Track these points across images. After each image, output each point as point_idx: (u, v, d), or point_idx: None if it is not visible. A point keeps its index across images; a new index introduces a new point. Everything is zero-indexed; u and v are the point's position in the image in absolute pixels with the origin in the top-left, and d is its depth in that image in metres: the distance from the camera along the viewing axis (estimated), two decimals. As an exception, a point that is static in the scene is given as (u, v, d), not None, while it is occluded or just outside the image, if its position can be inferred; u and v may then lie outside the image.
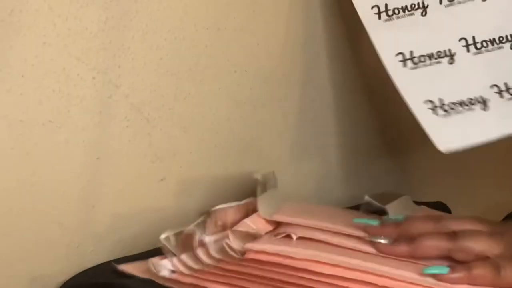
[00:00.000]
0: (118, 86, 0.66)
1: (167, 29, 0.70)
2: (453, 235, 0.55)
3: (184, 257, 0.59)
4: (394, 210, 0.65)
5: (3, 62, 0.58)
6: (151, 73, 0.69)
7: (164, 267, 0.59)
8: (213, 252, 0.57)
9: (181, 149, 0.73)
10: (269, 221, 0.61)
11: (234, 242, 0.56)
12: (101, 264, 0.64)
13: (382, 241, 0.56)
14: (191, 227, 0.59)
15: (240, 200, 0.76)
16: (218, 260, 0.57)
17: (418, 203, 0.98)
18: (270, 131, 0.83)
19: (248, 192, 0.81)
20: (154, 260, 0.59)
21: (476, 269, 0.53)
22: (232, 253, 0.55)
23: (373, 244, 0.56)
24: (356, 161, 0.97)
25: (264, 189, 0.68)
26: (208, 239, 0.58)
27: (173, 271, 0.59)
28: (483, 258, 0.54)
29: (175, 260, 0.59)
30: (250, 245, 0.55)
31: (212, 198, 0.77)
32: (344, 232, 0.58)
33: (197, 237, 0.58)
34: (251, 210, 0.64)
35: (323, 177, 0.92)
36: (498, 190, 1.25)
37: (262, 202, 0.62)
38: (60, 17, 0.62)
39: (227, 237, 0.57)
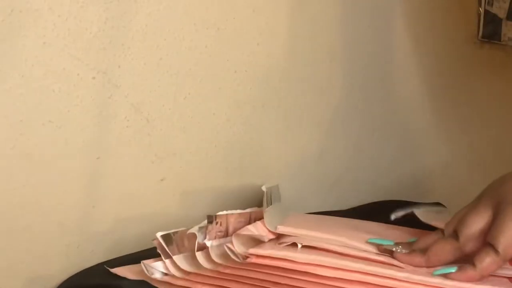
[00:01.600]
0: (118, 86, 0.66)
1: (167, 29, 0.70)
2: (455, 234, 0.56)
3: (177, 258, 0.59)
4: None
5: (3, 62, 0.59)
6: (151, 73, 0.69)
7: (156, 269, 0.59)
8: (214, 257, 0.57)
9: (181, 149, 0.73)
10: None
11: (237, 246, 0.56)
12: (96, 265, 0.64)
13: (399, 250, 0.57)
14: (194, 229, 0.59)
15: (241, 202, 0.77)
16: (218, 265, 0.57)
17: (419, 203, 0.98)
18: (270, 131, 0.83)
19: (247, 192, 0.81)
20: (146, 262, 0.59)
21: (481, 262, 0.53)
22: (234, 257, 0.55)
23: (391, 252, 0.57)
24: (356, 161, 0.97)
25: (270, 201, 0.68)
26: (210, 243, 0.58)
27: (165, 274, 0.59)
28: (485, 249, 0.54)
29: (167, 262, 0.59)
30: (253, 250, 0.55)
31: (212, 198, 0.77)
32: (348, 245, 0.58)
33: (198, 240, 0.58)
34: (253, 219, 0.64)
35: (323, 177, 0.92)
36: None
37: (268, 215, 0.62)
38: (60, 17, 0.62)
39: (230, 241, 0.57)
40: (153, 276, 0.59)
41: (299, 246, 0.57)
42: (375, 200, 0.96)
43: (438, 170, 1.13)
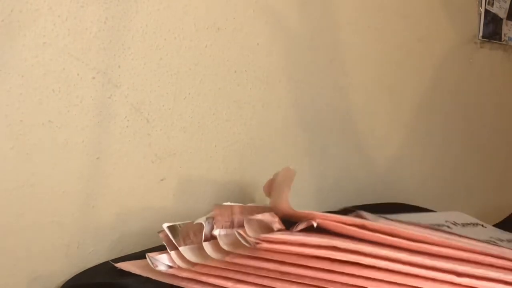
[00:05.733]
0: (118, 86, 0.67)
1: (167, 29, 0.70)
2: None
3: (183, 249, 0.58)
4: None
5: (3, 62, 0.59)
6: (151, 73, 0.69)
7: (161, 261, 0.59)
8: (223, 245, 0.56)
9: (181, 149, 0.73)
10: (279, 221, 0.61)
11: (249, 232, 0.55)
12: (101, 264, 0.64)
13: None
14: (201, 219, 0.59)
15: (240, 202, 0.76)
16: (224, 255, 0.56)
17: (415, 206, 0.98)
18: (270, 131, 0.83)
19: (247, 192, 0.81)
20: (151, 254, 0.59)
21: None
22: (244, 243, 0.54)
23: None
24: (356, 161, 0.97)
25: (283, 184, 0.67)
26: (218, 232, 0.58)
27: (170, 266, 0.59)
28: None
29: (173, 253, 0.58)
30: (265, 236, 0.54)
31: (212, 198, 0.77)
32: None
33: (205, 230, 0.58)
34: (255, 213, 0.63)
35: (322, 177, 0.92)
36: (498, 191, 1.25)
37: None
38: (60, 17, 0.62)
39: (241, 227, 0.56)
40: (157, 269, 0.58)
41: (315, 224, 0.56)
42: (375, 200, 0.96)
43: (439, 170, 1.13)
